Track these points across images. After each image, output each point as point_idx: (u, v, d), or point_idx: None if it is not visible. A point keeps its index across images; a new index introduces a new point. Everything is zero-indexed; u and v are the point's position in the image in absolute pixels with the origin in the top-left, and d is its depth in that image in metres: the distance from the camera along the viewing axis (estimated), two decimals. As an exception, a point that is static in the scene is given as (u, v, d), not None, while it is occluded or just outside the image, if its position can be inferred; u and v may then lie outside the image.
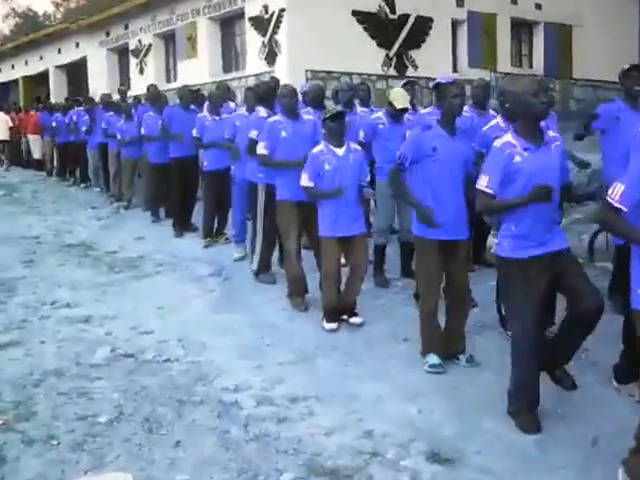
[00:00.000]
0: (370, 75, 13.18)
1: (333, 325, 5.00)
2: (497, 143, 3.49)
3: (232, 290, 6.10)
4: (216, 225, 7.80)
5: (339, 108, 5.26)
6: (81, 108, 12.97)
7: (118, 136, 10.00)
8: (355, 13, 13.29)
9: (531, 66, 16.52)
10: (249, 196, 6.75)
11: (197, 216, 8.54)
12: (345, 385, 4.09)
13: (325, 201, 4.97)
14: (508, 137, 3.47)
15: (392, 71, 13.94)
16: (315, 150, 5.03)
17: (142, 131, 9.04)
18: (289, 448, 3.34)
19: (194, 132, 7.51)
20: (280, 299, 5.71)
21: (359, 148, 5.16)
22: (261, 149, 5.51)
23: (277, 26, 12.78)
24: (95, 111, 11.66)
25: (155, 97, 9.46)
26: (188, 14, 14.80)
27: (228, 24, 14.40)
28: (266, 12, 12.97)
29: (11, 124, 16.16)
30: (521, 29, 16.35)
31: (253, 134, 6.15)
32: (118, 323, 5.22)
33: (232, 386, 4.06)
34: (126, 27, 16.99)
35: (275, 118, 5.58)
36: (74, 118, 12.65)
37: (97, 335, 4.95)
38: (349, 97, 6.77)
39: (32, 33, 22.02)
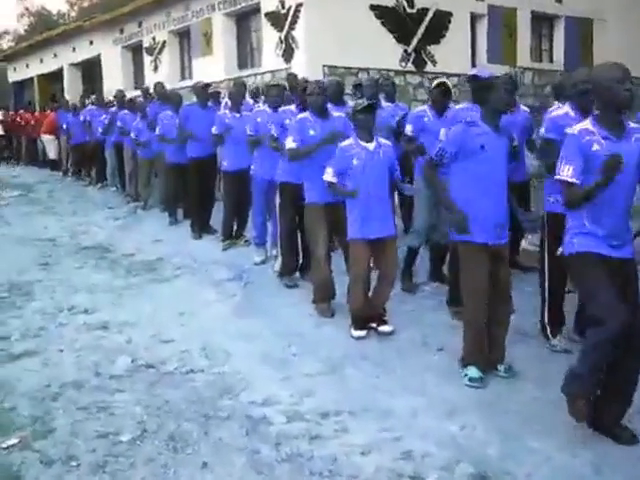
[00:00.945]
0: (388, 70, 12.85)
1: (362, 333, 4.78)
2: (573, 130, 3.27)
3: (254, 295, 5.89)
4: (235, 227, 7.60)
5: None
6: (94, 107, 12.86)
7: (132, 135, 9.82)
8: (373, 7, 13.06)
9: (551, 61, 16.21)
10: (269, 196, 6.58)
11: (216, 217, 8.37)
12: (378, 399, 3.87)
13: (353, 201, 4.74)
14: (586, 124, 3.25)
15: (410, 66, 13.70)
16: (344, 144, 4.81)
17: (157, 130, 8.84)
18: (324, 469, 3.13)
19: (214, 129, 7.30)
20: (304, 304, 5.50)
21: (389, 143, 4.93)
22: (290, 143, 5.28)
23: (294, 21, 12.57)
24: (111, 110, 11.50)
25: (162, 96, 9.27)
26: (203, 10, 14.63)
27: (244, 20, 14.21)
28: (283, 7, 12.76)
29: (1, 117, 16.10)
30: (541, 23, 16.04)
31: (274, 130, 5.96)
32: (138, 330, 5.03)
33: (260, 400, 3.86)
34: (140, 24, 16.85)
35: (304, 115, 5.36)
36: (88, 118, 12.51)
37: (116, 343, 4.76)
38: (374, 92, 6.52)
39: (46, 32, 21.92)
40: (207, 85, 8.25)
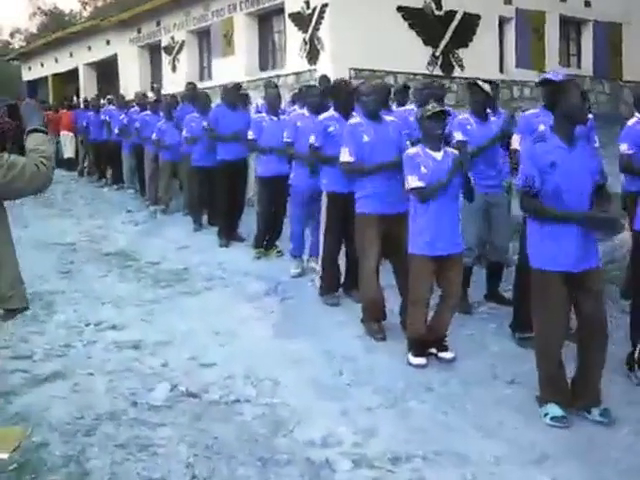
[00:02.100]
0: (415, 74, 12.52)
1: (421, 360, 4.34)
2: None
3: (293, 312, 5.46)
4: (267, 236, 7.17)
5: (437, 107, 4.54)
6: (113, 107, 12.48)
7: (154, 136, 9.41)
8: (400, 9, 12.65)
9: (579, 66, 15.78)
10: (310, 206, 6.16)
11: (243, 224, 7.96)
12: (452, 440, 3.43)
13: (420, 213, 4.30)
14: None
15: (437, 70, 13.27)
16: (410, 152, 4.38)
17: (184, 133, 8.42)
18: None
19: (250, 134, 6.87)
20: (351, 324, 5.07)
21: (456, 152, 4.49)
22: (345, 156, 4.84)
23: (319, 22, 12.17)
24: (130, 111, 11.11)
25: (194, 97, 8.86)
26: (224, 9, 14.24)
27: (266, 20, 13.82)
28: (307, 7, 12.36)
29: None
30: (569, 27, 15.60)
31: (312, 139, 5.52)
32: (173, 351, 4.60)
33: (318, 438, 3.42)
34: (158, 23, 16.48)
35: (355, 120, 4.92)
36: (107, 118, 12.12)
37: (151, 366, 4.33)
38: (425, 97, 6.07)
39: (61, 30, 21.57)
40: (238, 86, 7.84)
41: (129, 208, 10.13)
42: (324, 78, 8.83)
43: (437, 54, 13.29)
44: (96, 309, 5.48)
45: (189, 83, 9.84)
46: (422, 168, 4.27)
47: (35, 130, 2.77)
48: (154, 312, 5.43)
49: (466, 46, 13.55)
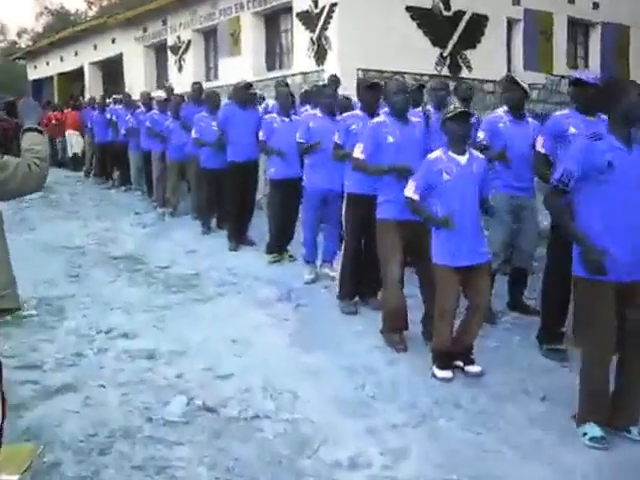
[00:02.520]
0: (423, 75, 12.32)
1: (447, 374, 4.16)
2: None
3: (309, 320, 5.28)
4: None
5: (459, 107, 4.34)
6: (119, 106, 12.32)
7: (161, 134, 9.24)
8: (409, 9, 12.44)
9: (587, 68, 15.56)
10: (325, 209, 6.01)
11: (252, 227, 7.79)
12: (487, 463, 3.25)
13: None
14: None
15: (445, 71, 13.09)
16: (432, 156, 4.20)
17: (193, 133, 8.24)
18: None
19: (260, 135, 6.70)
20: (369, 334, 4.90)
21: (482, 156, 4.32)
22: (357, 152, 4.67)
23: (327, 22, 11.95)
24: (138, 111, 10.94)
25: (200, 96, 8.70)
26: (231, 8, 14.03)
27: (273, 19, 13.60)
28: (316, 7, 12.15)
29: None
30: (577, 29, 15.40)
31: (336, 137, 5.36)
32: (188, 361, 4.42)
33: (345, 460, 3.25)
34: (164, 22, 16.26)
35: (380, 120, 4.73)
36: (114, 118, 11.95)
37: (166, 378, 4.15)
38: (442, 97, 5.88)
39: (68, 29, 21.38)
40: (249, 85, 7.66)
41: (137, 210, 9.95)
42: (333, 78, 8.67)
43: (445, 55, 13.10)
44: (106, 315, 5.30)
45: (195, 83, 9.66)
46: (444, 174, 4.10)
47: (31, 129, 2.73)
48: (166, 319, 5.25)
49: (474, 47, 13.36)
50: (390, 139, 4.55)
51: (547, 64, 14.57)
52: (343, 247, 5.43)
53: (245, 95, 7.48)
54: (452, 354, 4.24)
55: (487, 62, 13.11)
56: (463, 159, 4.15)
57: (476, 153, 4.28)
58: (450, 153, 4.15)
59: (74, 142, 14.52)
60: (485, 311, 4.35)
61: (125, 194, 11.66)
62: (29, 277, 6.19)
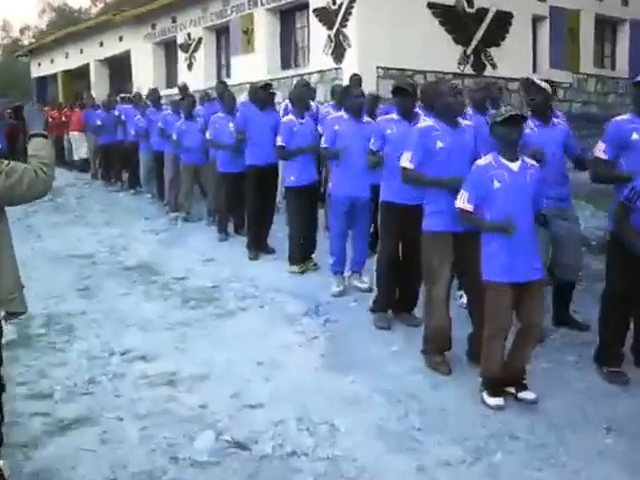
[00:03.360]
0: (445, 73, 11.94)
1: (499, 401, 3.76)
2: None
3: (340, 338, 4.88)
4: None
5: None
6: (129, 106, 11.96)
7: (174, 136, 8.85)
8: (431, 5, 12.03)
9: (614, 68, 15.12)
10: (356, 216, 5.64)
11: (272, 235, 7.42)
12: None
13: (494, 234, 3.73)
14: None
15: (468, 69, 12.67)
16: (481, 162, 3.80)
17: (208, 135, 7.87)
18: None
19: (279, 140, 6.29)
20: (407, 354, 4.51)
21: (535, 164, 3.91)
22: (405, 161, 4.27)
23: (346, 18, 11.55)
24: (149, 110, 10.57)
25: (219, 96, 8.34)
26: (244, 5, 13.63)
27: (288, 16, 13.21)
28: (334, 3, 11.74)
29: None
30: (604, 27, 14.94)
31: (372, 143, 4.96)
32: (212, 387, 4.04)
33: (399, 508, 2.87)
34: (174, 20, 15.87)
35: (427, 123, 4.31)
36: (122, 117, 11.58)
37: (190, 408, 3.77)
38: (482, 98, 5.47)
39: (73, 26, 21.01)
40: (268, 85, 7.26)
41: (147, 215, 9.57)
42: (356, 77, 8.27)
43: (468, 52, 12.68)
44: (121, 334, 4.93)
45: (220, 82, 9.25)
46: (495, 182, 3.70)
47: (36, 135, 2.76)
48: (186, 338, 4.87)
49: (498, 45, 12.94)
50: (440, 144, 4.13)
51: (573, 63, 14.15)
52: (377, 257, 5.03)
53: (264, 95, 7.09)
54: (503, 379, 3.84)
55: (512, 60, 12.69)
56: (515, 166, 3.75)
57: (529, 160, 3.87)
58: (501, 159, 3.75)
59: (78, 144, 14.13)
60: (538, 332, 3.94)
61: (134, 197, 11.27)
62: (36, 290, 5.83)
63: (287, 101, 8.34)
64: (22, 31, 40.62)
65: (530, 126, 4.62)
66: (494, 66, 12.82)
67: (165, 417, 3.65)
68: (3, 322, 2.79)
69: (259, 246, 7.15)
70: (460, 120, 4.28)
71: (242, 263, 6.93)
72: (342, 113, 5.80)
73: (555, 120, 4.78)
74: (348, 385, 4.08)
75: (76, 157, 14.62)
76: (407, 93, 4.87)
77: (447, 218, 4.07)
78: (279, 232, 7.50)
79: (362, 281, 5.82)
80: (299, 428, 3.55)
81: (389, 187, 4.77)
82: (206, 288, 6.05)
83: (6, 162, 2.54)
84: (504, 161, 3.75)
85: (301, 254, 6.42)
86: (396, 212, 4.76)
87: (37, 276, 6.29)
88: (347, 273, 5.93)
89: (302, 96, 6.75)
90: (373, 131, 5.00)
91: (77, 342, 4.77)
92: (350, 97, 5.71)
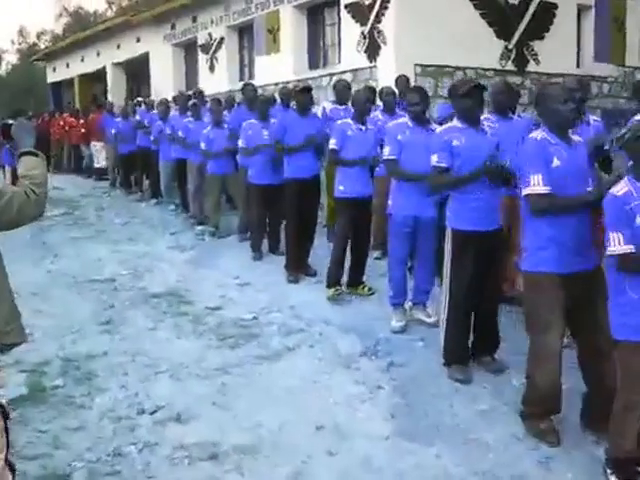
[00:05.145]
0: (486, 70, 11.15)
1: (635, 490, 2.96)
2: None
3: (410, 389, 4.06)
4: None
5: None
6: (149, 111, 11.27)
7: (203, 145, 8.10)
8: (472, -5, 11.20)
9: (661, 62, 14.18)
10: (420, 240, 4.85)
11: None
12: None
13: (632, 284, 2.88)
14: None
15: (510, 65, 11.81)
16: (619, 190, 2.89)
17: (240, 143, 7.10)
18: None
19: (332, 143, 5.52)
20: (500, 414, 3.72)
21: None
22: (537, 186, 3.31)
23: (381, 13, 10.73)
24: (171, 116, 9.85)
25: (254, 99, 7.58)
26: (269, 2, 12.86)
27: (317, 12, 12.42)
28: (368, -3, 10.95)
29: None
30: (652, 15, 14.01)
31: (437, 159, 4.13)
32: (265, 465, 3.25)
33: None
34: (194, 19, 15.14)
35: (542, 135, 3.40)
36: (146, 122, 10.87)
37: (241, 496, 3.00)
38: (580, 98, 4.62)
39: (89, 28, 20.36)
40: (308, 89, 6.47)
41: (172, 229, 8.79)
42: (404, 78, 7.49)
43: (510, 47, 11.82)
44: (150, 384, 4.16)
45: (247, 84, 8.48)
46: (638, 218, 2.87)
47: (26, 152, 2.59)
48: (226, 390, 4.09)
49: (542, 38, 12.03)
50: (556, 162, 3.29)
51: (618, 55, 13.19)
52: (447, 296, 4.15)
53: (305, 100, 6.30)
54: (638, 459, 3.02)
55: (556, 54, 11.77)
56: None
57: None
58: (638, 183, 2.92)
59: (99, 153, 13.42)
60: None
61: (156, 208, 10.50)
62: (52, 325, 5.17)
63: (325, 103, 7.57)
64: (39, 36, 40.25)
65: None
66: (537, 61, 11.96)
67: (211, 512, 2.89)
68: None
69: (299, 267, 6.37)
70: (572, 135, 3.44)
71: (281, 287, 6.15)
72: (406, 120, 4.99)
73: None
74: (433, 461, 3.28)
75: (97, 165, 13.95)
76: (477, 94, 4.07)
77: (556, 255, 3.25)
78: (319, 249, 6.75)
79: (427, 314, 5.02)
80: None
81: (459, 212, 4.00)
82: (244, 321, 5.28)
83: None
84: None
85: (338, 276, 5.65)
86: (470, 241, 3.98)
87: (53, 306, 5.59)
88: (408, 304, 5.13)
89: (363, 100, 5.80)
90: (437, 142, 4.17)
91: (99, 395, 4.01)
92: (411, 101, 4.91)
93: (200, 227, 8.56)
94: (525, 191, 3.32)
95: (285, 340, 4.86)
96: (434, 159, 4.13)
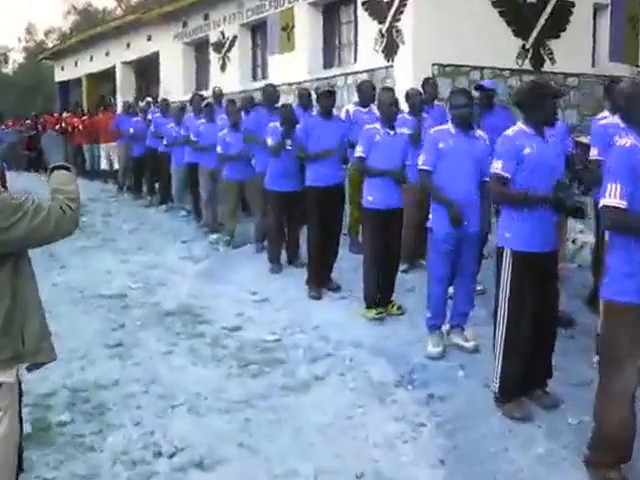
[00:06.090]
0: (502, 70, 10.77)
1: None
2: None
3: (456, 428, 3.65)
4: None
5: None
6: (160, 113, 10.85)
7: (219, 149, 7.68)
8: (491, -6, 10.78)
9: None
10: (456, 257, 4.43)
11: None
12: None
13: None
14: None
15: (527, 64, 11.40)
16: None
17: (269, 142, 6.63)
18: None
19: (358, 150, 5.11)
20: (558, 457, 3.29)
21: None
22: (614, 200, 2.85)
23: (400, 11, 10.31)
24: (184, 119, 9.44)
25: (274, 100, 7.19)
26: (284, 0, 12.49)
27: (333, 10, 12.01)
28: (387, -5, 10.54)
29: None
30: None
31: (498, 165, 3.70)
32: (301, 524, 2.87)
33: None
34: (206, 17, 14.73)
35: (630, 142, 2.95)
36: (153, 126, 10.47)
37: None
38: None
39: (98, 26, 19.95)
40: (332, 91, 6.06)
41: (184, 237, 8.37)
42: (431, 81, 7.06)
43: (527, 46, 11.40)
44: (167, 420, 3.75)
45: (269, 85, 8.03)
46: None
47: (58, 167, 2.51)
48: (252, 427, 3.68)
49: (558, 37, 11.63)
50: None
51: (632, 55, 12.74)
52: (504, 326, 3.71)
53: (329, 103, 5.89)
54: None
55: (571, 54, 11.37)
56: None
57: None
58: None
59: (115, 156, 12.94)
60: None
61: (167, 214, 10.08)
62: (58, 348, 4.64)
63: (349, 106, 7.16)
64: (47, 34, 39.92)
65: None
66: (553, 60, 11.54)
67: None
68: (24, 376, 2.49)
69: (322, 281, 5.96)
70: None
71: (303, 304, 5.75)
72: (449, 126, 4.56)
73: None
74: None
75: (106, 167, 13.52)
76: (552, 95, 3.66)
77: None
78: (341, 261, 6.34)
79: (466, 338, 4.60)
80: None
81: (518, 231, 3.58)
82: (266, 343, 4.88)
83: (30, 200, 2.28)
84: None
85: (375, 295, 5.24)
86: (534, 262, 3.57)
87: (59, 326, 5.11)
88: (446, 327, 4.71)
89: (389, 102, 5.29)
90: (505, 147, 3.71)
91: (111, 434, 3.60)
92: (456, 106, 4.48)
93: (214, 235, 8.16)
94: (601, 201, 2.91)
95: (312, 367, 4.45)
96: (497, 166, 3.65)
